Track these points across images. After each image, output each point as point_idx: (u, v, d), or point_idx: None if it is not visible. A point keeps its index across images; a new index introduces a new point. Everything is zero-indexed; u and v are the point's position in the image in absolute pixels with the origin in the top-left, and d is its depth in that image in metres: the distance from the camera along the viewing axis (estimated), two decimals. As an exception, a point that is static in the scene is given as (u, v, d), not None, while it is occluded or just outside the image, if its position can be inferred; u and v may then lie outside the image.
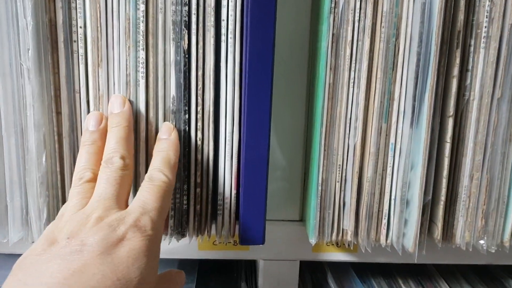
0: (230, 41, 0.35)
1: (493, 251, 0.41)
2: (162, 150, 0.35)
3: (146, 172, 0.37)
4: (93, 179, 0.33)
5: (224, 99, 0.36)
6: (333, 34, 0.36)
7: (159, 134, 0.36)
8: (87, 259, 0.26)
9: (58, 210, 0.38)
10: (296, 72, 0.43)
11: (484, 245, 0.41)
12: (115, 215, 0.29)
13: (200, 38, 0.35)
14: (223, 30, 0.35)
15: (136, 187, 0.37)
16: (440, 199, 0.39)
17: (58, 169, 0.37)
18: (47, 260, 0.27)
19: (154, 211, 0.31)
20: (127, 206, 0.32)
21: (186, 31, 0.34)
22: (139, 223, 0.29)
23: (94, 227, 0.28)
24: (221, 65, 0.36)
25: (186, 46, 0.35)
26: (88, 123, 0.35)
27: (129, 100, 0.35)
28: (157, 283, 0.30)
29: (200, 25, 0.35)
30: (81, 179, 0.32)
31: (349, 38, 0.36)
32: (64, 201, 0.38)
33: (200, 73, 0.35)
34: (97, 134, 0.35)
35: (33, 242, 0.37)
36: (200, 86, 0.35)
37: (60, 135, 0.37)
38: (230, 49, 0.35)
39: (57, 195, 0.38)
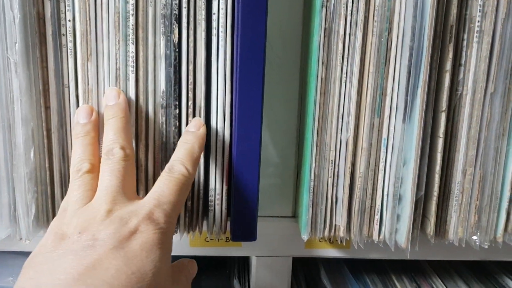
0: (221, 35, 0.35)
1: (486, 247, 0.40)
2: (187, 141, 0.34)
3: (137, 168, 0.37)
4: (92, 170, 0.32)
5: (215, 93, 0.36)
6: (325, 28, 0.36)
7: (187, 127, 0.36)
8: (100, 253, 0.26)
9: (47, 206, 0.37)
10: (288, 66, 0.42)
11: (477, 240, 0.40)
12: (127, 208, 0.29)
13: (191, 32, 0.34)
14: (214, 24, 0.34)
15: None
16: (433, 194, 0.39)
17: (47, 165, 0.37)
18: (59, 256, 0.26)
19: (168, 204, 0.30)
20: (136, 196, 0.32)
21: (176, 24, 0.34)
22: (152, 215, 0.29)
23: (105, 220, 0.28)
24: (212, 59, 0.35)
25: (176, 40, 0.34)
26: (79, 117, 0.35)
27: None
28: (171, 276, 0.30)
29: (191, 18, 0.34)
30: (79, 171, 0.32)
31: (341, 32, 0.36)
32: (53, 197, 0.37)
33: (191, 67, 0.35)
34: (89, 126, 0.34)
35: (21, 239, 0.37)
36: (191, 80, 0.35)
37: (48, 130, 0.36)
38: (221, 43, 0.35)
39: (46, 191, 0.37)
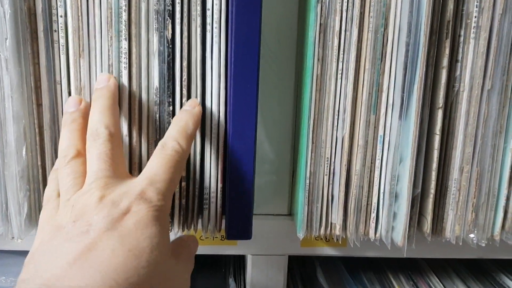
0: (215, 31, 0.34)
1: (484, 245, 0.40)
2: (181, 119, 0.34)
3: (130, 166, 0.36)
4: (79, 155, 0.32)
5: (209, 90, 0.35)
6: (320, 24, 0.35)
7: (183, 107, 0.35)
8: (94, 237, 0.26)
9: (39, 204, 0.37)
10: (283, 63, 0.42)
11: (474, 238, 0.40)
12: (118, 190, 0.29)
13: (185, 28, 0.34)
14: (208, 20, 0.34)
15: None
16: (429, 192, 0.39)
17: (39, 163, 0.36)
18: (55, 247, 0.27)
19: (161, 182, 0.30)
20: (127, 175, 0.31)
21: (170, 20, 0.33)
22: (144, 195, 0.29)
23: (97, 206, 0.28)
24: (207, 55, 0.35)
25: (170, 36, 0.34)
26: (67, 106, 0.34)
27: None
28: (171, 250, 0.30)
29: (185, 14, 0.34)
30: (66, 157, 0.31)
31: (337, 28, 0.35)
32: (45, 195, 0.37)
33: (184, 64, 0.34)
34: (76, 113, 0.34)
35: (13, 237, 0.36)
36: (185, 77, 0.34)
37: (40, 127, 0.36)
38: (215, 39, 0.34)
39: (38, 189, 0.37)
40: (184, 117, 0.34)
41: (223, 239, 0.45)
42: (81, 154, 0.32)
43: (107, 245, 0.26)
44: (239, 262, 0.53)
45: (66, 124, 0.33)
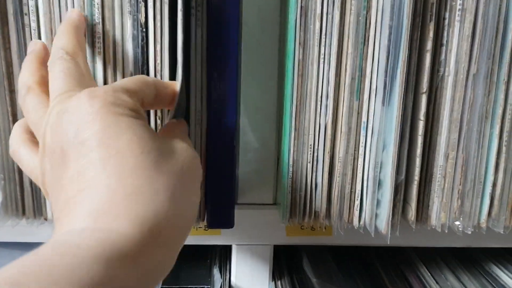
0: (198, 14, 0.33)
1: (470, 232, 0.39)
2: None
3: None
4: (30, 89, 0.29)
5: (194, 75, 0.34)
6: (301, 7, 0.34)
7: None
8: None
9: (15, 194, 0.36)
10: (266, 47, 0.41)
11: (460, 226, 0.39)
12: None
13: (158, 11, 0.33)
14: (192, 4, 0.33)
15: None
16: (413, 179, 0.38)
17: (13, 151, 0.35)
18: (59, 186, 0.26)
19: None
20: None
21: (143, 3, 0.32)
22: (91, 92, 0.26)
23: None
24: (190, 41, 0.34)
25: (143, 19, 0.33)
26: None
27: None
28: (159, 137, 0.27)
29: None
30: (20, 97, 0.30)
31: (318, 11, 0.34)
32: (21, 184, 0.36)
33: (158, 47, 0.33)
34: (31, 54, 0.32)
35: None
36: (158, 61, 0.33)
37: (14, 115, 0.35)
38: (198, 22, 0.33)
39: (14, 178, 0.36)
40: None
41: (206, 229, 0.44)
42: (32, 87, 0.29)
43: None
44: (225, 252, 0.52)
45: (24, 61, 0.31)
